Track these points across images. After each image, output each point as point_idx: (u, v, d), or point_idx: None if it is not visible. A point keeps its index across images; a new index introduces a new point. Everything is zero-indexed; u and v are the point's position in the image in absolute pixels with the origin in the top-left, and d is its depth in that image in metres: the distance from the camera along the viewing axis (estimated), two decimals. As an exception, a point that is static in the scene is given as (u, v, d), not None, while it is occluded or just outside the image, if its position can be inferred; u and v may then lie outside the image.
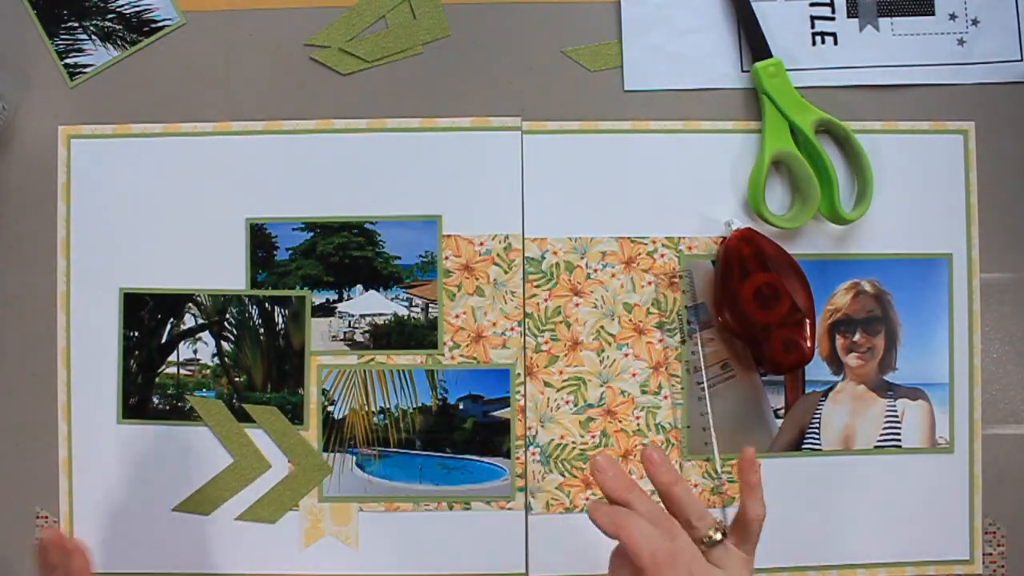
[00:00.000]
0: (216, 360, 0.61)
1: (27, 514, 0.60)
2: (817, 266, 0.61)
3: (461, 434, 0.61)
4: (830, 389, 0.61)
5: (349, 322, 0.61)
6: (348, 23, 0.61)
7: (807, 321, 0.58)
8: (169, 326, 0.61)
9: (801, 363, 0.58)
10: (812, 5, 0.62)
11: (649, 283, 0.61)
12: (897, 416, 0.61)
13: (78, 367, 0.61)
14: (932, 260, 0.62)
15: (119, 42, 0.61)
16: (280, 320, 0.61)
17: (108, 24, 0.61)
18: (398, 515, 0.60)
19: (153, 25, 0.61)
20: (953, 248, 0.62)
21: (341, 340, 0.61)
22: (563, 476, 0.61)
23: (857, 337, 0.61)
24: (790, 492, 0.61)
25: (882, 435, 0.61)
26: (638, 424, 0.61)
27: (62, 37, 0.61)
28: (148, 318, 0.61)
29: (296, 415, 0.61)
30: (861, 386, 0.61)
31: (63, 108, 0.61)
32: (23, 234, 0.61)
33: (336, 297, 0.61)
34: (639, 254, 0.61)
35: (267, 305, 0.61)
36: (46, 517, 0.60)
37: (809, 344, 0.58)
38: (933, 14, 0.62)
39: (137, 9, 0.61)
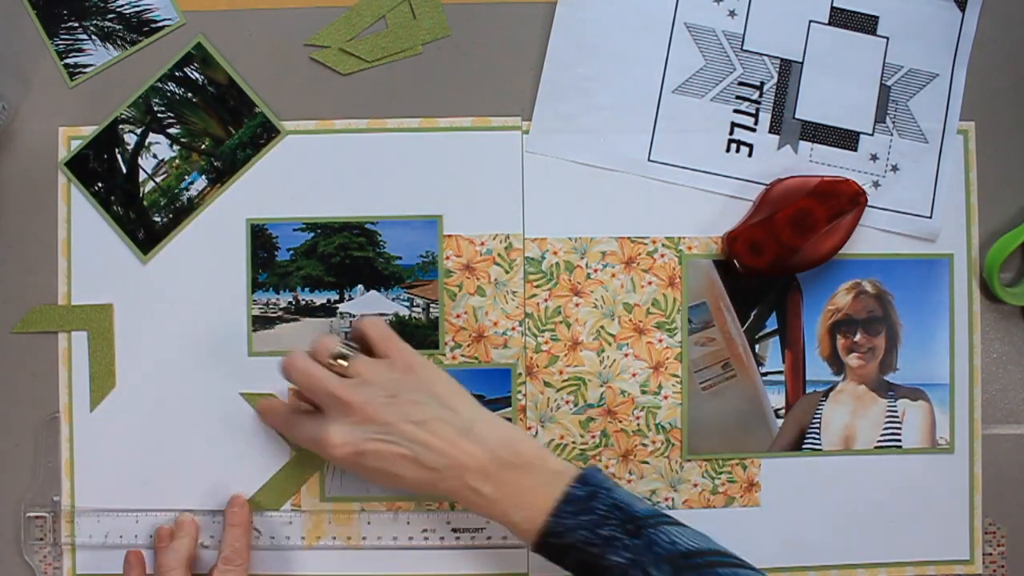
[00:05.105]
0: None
1: (27, 514, 0.60)
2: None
3: (461, 434, 0.60)
4: (831, 389, 0.61)
5: (350, 322, 0.61)
6: (348, 23, 0.61)
7: None
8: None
9: None
10: (736, 112, 0.61)
11: (649, 283, 0.61)
12: (897, 416, 0.61)
13: (78, 357, 0.60)
14: (933, 260, 0.62)
15: (119, 42, 0.61)
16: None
17: (108, 24, 0.61)
18: (398, 515, 0.60)
19: (153, 25, 0.61)
20: (954, 248, 0.62)
21: (341, 340, 0.61)
22: (563, 476, 0.61)
23: (858, 337, 0.61)
24: (790, 492, 0.61)
25: (882, 435, 0.61)
26: (638, 424, 0.61)
27: (62, 37, 0.61)
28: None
29: None
30: (862, 386, 0.61)
31: (63, 108, 0.61)
32: (23, 234, 0.61)
33: (337, 297, 0.61)
34: (639, 254, 0.61)
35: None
36: (46, 517, 0.60)
37: None
38: (856, 150, 0.61)
39: (137, 9, 0.61)
